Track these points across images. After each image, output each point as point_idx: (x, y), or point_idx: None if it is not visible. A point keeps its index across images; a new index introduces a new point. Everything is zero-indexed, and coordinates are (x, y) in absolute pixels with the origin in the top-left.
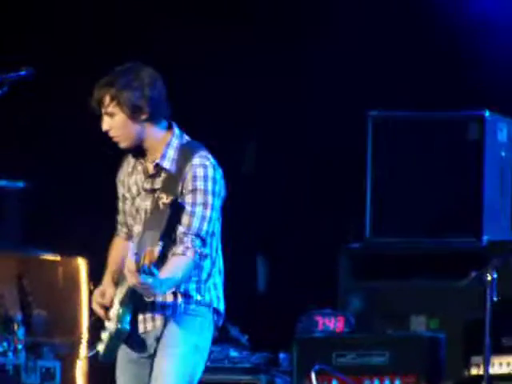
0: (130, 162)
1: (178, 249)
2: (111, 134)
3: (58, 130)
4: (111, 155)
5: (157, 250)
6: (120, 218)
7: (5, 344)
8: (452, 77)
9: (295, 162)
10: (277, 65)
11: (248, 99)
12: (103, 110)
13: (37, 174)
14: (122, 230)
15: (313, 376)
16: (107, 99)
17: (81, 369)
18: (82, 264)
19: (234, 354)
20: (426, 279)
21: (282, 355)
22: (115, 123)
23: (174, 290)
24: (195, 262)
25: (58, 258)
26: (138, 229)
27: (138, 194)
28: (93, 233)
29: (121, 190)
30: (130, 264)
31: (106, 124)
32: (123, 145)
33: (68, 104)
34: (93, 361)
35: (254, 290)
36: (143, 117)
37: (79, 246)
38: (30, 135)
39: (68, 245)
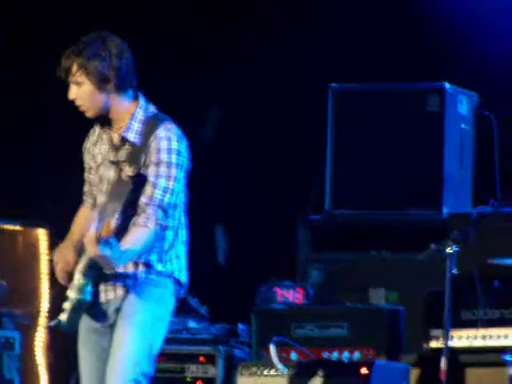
0: (95, 130)
1: (140, 220)
2: (77, 102)
3: (21, 96)
4: (77, 124)
5: (112, 221)
6: (86, 188)
7: None
8: (413, 49)
9: (256, 133)
10: (242, 34)
11: (212, 68)
12: (70, 79)
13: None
14: (87, 201)
15: (272, 348)
16: (75, 68)
17: (41, 339)
18: (42, 234)
19: (192, 324)
20: (386, 252)
21: (241, 326)
22: (82, 92)
23: (135, 259)
24: (156, 233)
25: (18, 228)
26: (100, 198)
27: (102, 163)
28: (54, 203)
29: (86, 159)
30: (90, 235)
31: (73, 93)
32: (89, 114)
33: (35, 72)
34: (55, 331)
35: (213, 261)
36: (110, 87)
37: (40, 217)
38: None
39: (28, 215)
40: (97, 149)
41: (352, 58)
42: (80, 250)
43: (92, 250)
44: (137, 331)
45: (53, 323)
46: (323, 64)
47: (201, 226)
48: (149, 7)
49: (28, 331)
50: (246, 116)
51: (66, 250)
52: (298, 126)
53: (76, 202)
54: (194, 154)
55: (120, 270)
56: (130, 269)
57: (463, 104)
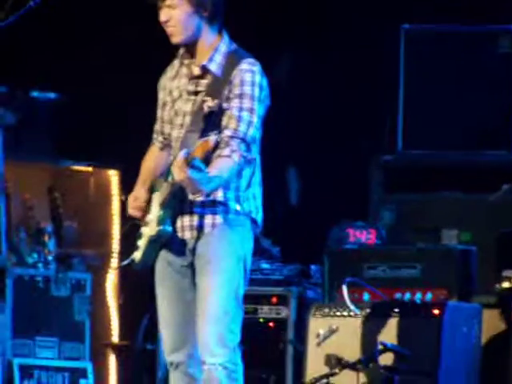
0: (174, 66)
1: (224, 151)
2: (169, 24)
3: (92, 39)
4: (146, 65)
5: (212, 140)
6: (157, 126)
7: (35, 255)
8: None
9: (328, 75)
10: None
11: (284, 13)
12: (167, 2)
13: (69, 85)
14: (157, 139)
15: (344, 288)
16: None
17: (112, 280)
18: (113, 175)
19: (265, 265)
20: (458, 192)
21: (313, 267)
22: (177, 15)
23: (212, 198)
24: (240, 166)
25: (90, 169)
26: (176, 133)
27: (180, 96)
28: (125, 144)
29: (161, 96)
30: (180, 158)
31: (167, 15)
32: (177, 38)
33: (106, 14)
34: (126, 271)
35: (285, 202)
36: (205, 14)
37: (111, 158)
38: (63, 45)
39: (100, 156)
40: (174, 83)
41: None
42: (153, 187)
43: (181, 174)
44: (222, 278)
45: (126, 261)
46: (395, 4)
47: (273, 167)
48: None
49: (99, 272)
50: (318, 58)
51: (138, 190)
52: (369, 67)
53: (147, 141)
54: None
55: (198, 208)
56: (208, 207)
57: None
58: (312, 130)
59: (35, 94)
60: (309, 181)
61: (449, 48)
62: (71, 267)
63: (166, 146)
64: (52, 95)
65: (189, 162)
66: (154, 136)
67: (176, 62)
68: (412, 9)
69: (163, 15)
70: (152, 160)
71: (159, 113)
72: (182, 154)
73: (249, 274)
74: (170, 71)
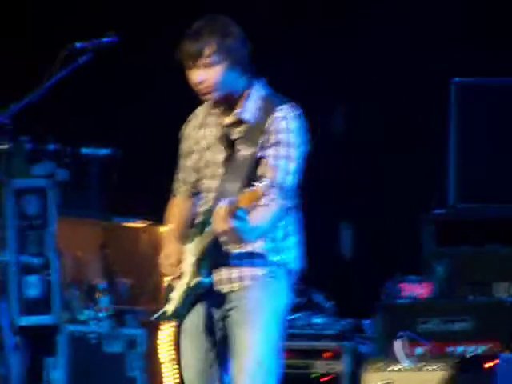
0: (198, 116)
1: (262, 200)
2: (206, 84)
3: (142, 96)
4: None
5: (260, 189)
6: (180, 175)
7: (87, 313)
8: None
9: (381, 128)
10: (364, 31)
11: (337, 64)
12: (202, 62)
13: (121, 141)
14: (181, 187)
15: (397, 343)
16: (210, 49)
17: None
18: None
19: (317, 320)
20: (509, 245)
21: (366, 322)
22: (214, 73)
23: (250, 250)
24: (280, 214)
25: (142, 226)
26: (208, 183)
27: (209, 147)
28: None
29: (185, 145)
30: (223, 209)
31: (202, 75)
32: (215, 95)
33: (154, 70)
34: (157, 323)
35: (338, 256)
36: (239, 67)
37: (163, 213)
38: (114, 102)
39: (152, 212)
40: (200, 133)
41: (475, 51)
42: (186, 237)
43: (224, 225)
44: (261, 333)
45: (156, 315)
46: (445, 58)
47: (326, 222)
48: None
49: (152, 329)
50: (369, 113)
51: (168, 245)
52: (421, 120)
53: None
54: (319, 151)
55: (235, 260)
56: (246, 259)
57: None
58: (364, 184)
59: (85, 150)
60: (362, 236)
61: (500, 101)
62: (124, 323)
63: (191, 195)
64: (102, 151)
65: (233, 213)
66: (177, 186)
67: (200, 111)
68: (462, 62)
69: (197, 76)
70: (178, 212)
71: (182, 162)
72: (224, 204)
73: (287, 326)
74: (195, 120)
